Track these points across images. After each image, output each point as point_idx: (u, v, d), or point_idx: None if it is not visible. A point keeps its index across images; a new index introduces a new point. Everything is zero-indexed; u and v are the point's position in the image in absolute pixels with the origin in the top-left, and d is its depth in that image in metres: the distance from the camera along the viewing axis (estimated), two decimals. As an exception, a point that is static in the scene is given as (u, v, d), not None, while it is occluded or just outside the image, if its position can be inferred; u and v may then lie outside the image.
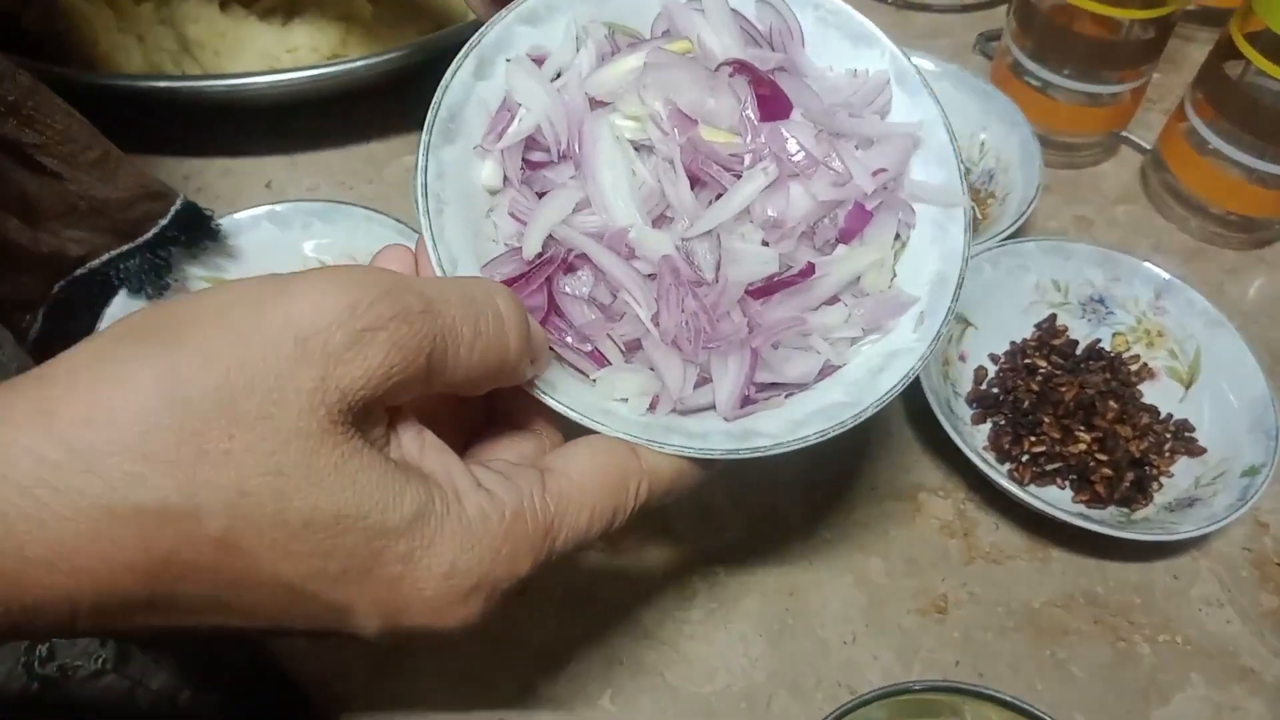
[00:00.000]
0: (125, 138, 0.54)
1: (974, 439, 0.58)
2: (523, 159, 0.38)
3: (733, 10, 0.40)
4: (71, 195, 0.51)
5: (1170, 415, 0.59)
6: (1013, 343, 0.61)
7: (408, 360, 0.27)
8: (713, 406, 0.37)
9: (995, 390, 0.59)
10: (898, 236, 0.40)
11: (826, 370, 0.38)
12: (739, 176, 0.38)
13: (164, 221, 0.54)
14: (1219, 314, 0.58)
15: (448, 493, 0.29)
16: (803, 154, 0.38)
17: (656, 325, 0.36)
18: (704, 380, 0.37)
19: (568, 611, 0.52)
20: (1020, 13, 0.71)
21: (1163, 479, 0.56)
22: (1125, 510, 0.55)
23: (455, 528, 0.28)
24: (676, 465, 0.35)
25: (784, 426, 0.36)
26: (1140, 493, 0.55)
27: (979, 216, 0.67)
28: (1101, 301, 0.61)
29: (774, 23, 0.41)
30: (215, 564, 0.25)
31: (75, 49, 0.69)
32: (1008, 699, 0.43)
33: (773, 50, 0.41)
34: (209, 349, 0.25)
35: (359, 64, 0.64)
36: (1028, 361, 0.60)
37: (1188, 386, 0.59)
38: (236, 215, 0.59)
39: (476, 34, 0.38)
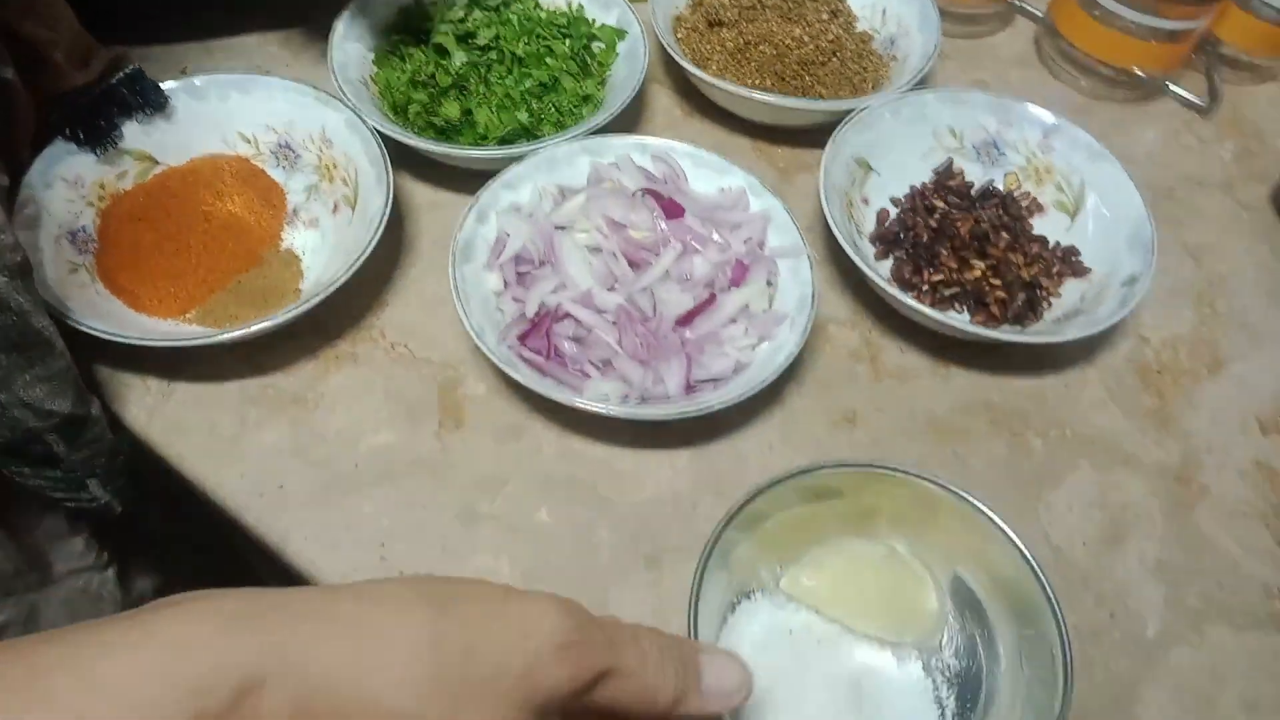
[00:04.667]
0: None
1: (878, 272, 0.62)
2: (515, 271, 0.57)
3: (638, 165, 0.62)
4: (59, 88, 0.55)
5: (1058, 243, 0.63)
6: (912, 186, 0.65)
7: (577, 677, 0.32)
8: (669, 396, 0.53)
9: (896, 229, 0.63)
10: (769, 283, 0.58)
11: (740, 367, 0.55)
12: (658, 255, 0.58)
13: (120, 76, 0.57)
14: (1102, 148, 0.63)
15: None
16: (694, 236, 0.58)
17: (621, 347, 0.54)
18: (659, 381, 0.54)
19: (503, 443, 0.55)
20: (914, -115, 0.74)
21: (1052, 299, 0.61)
22: (1018, 327, 0.60)
23: None
24: None
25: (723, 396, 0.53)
26: (1031, 311, 0.60)
27: (884, 80, 0.70)
28: (995, 145, 0.66)
29: (665, 170, 0.62)
30: None
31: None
32: (913, 473, 0.47)
33: (665, 184, 0.61)
34: (471, 633, 0.31)
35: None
36: (926, 202, 0.64)
37: (1073, 216, 0.64)
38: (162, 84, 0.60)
39: (474, 197, 0.58)
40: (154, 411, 0.55)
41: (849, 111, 0.63)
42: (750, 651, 0.48)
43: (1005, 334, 0.56)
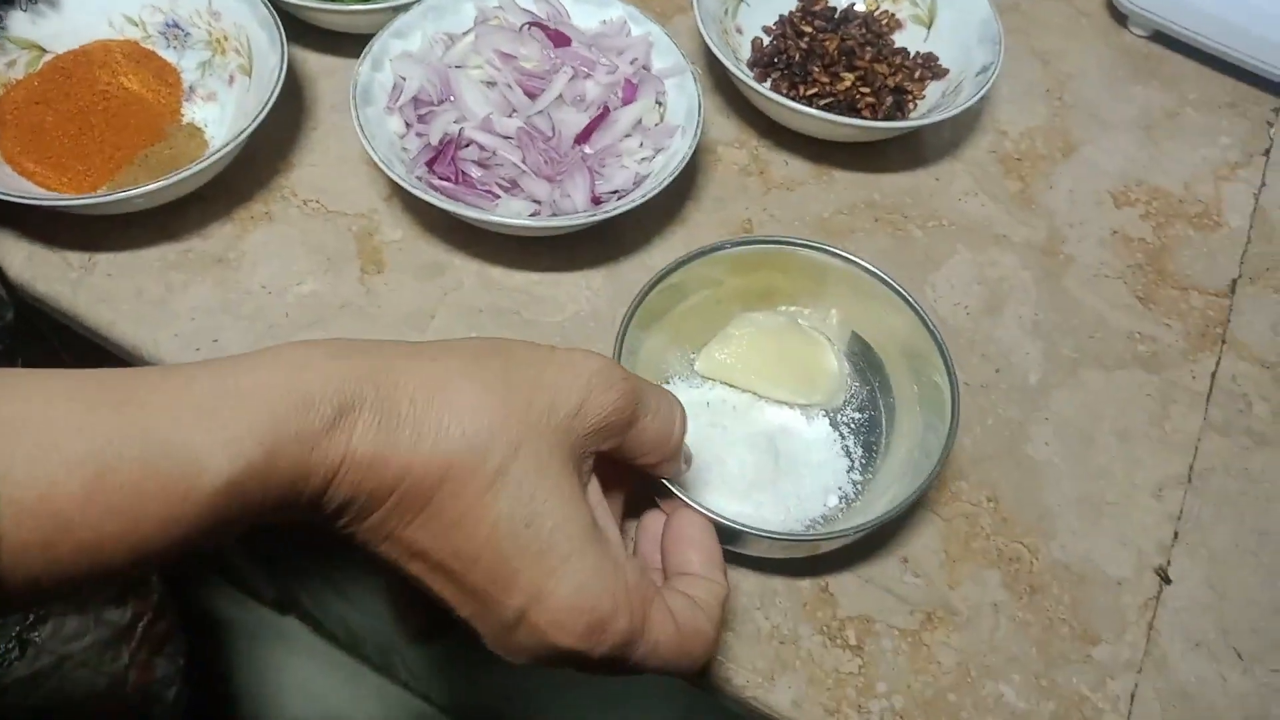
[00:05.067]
0: None
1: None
2: (415, 113, 0.60)
3: (520, 6, 0.64)
4: None
5: (917, 53, 0.68)
6: (780, 15, 0.70)
7: (623, 408, 0.36)
8: (576, 211, 0.57)
9: (770, 53, 0.68)
10: (659, 102, 0.62)
11: (639, 179, 0.59)
12: (550, 83, 0.61)
13: None
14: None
15: (603, 531, 0.36)
16: (582, 61, 0.62)
17: (525, 165, 0.58)
18: (565, 195, 0.57)
19: (424, 280, 0.58)
20: None
21: (917, 100, 0.66)
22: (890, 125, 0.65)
23: (600, 557, 0.35)
24: (722, 607, 0.41)
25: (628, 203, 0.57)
26: (899, 111, 0.65)
27: None
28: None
29: (548, 9, 0.65)
30: (476, 492, 0.33)
31: None
32: (801, 242, 0.52)
33: (549, 21, 0.64)
34: (534, 377, 0.35)
35: None
36: (796, 28, 0.68)
37: (929, 27, 0.69)
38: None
39: (366, 47, 0.60)
40: (77, 285, 0.56)
41: (717, -51, 0.67)
42: None
43: (879, 125, 0.61)
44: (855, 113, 0.65)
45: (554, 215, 0.57)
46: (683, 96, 0.61)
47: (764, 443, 0.52)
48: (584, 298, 0.59)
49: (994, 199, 0.66)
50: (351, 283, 0.58)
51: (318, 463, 0.30)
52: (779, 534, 0.47)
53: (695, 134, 0.58)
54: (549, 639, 0.34)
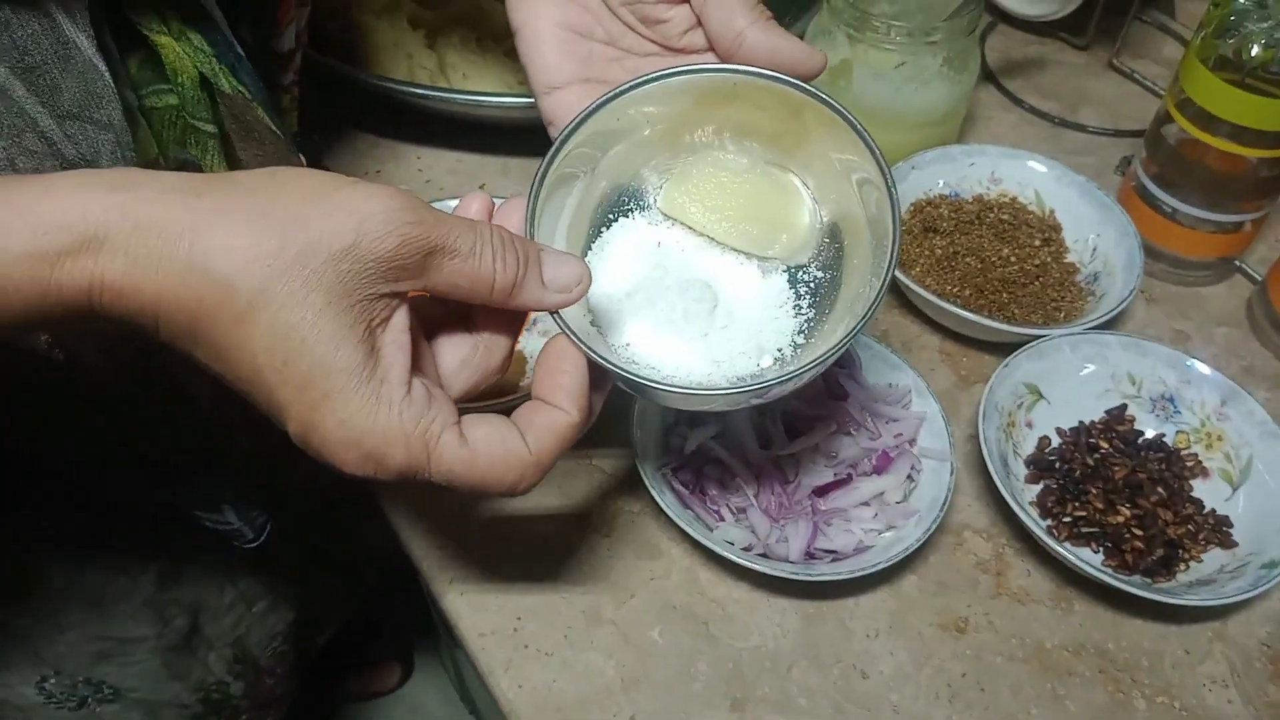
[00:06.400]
0: (381, 124, 0.70)
1: (1023, 495, 0.65)
2: None
3: None
4: None
5: (1213, 510, 0.64)
6: (1081, 422, 0.68)
7: (406, 252, 0.38)
8: (788, 557, 0.59)
9: (1053, 458, 0.66)
10: (910, 478, 0.64)
11: (861, 547, 0.60)
12: (813, 427, 0.64)
13: None
14: (1276, 426, 0.63)
15: (378, 371, 0.38)
16: (850, 420, 0.64)
17: (756, 500, 0.61)
18: (783, 540, 0.60)
19: (640, 559, 0.63)
20: (1151, 142, 0.78)
21: (1191, 562, 0.62)
22: (1148, 580, 0.61)
23: (365, 394, 0.38)
24: (560, 435, 0.43)
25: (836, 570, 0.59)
26: (1165, 568, 0.61)
27: (1078, 313, 0.74)
28: (1171, 400, 0.68)
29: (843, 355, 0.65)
30: (228, 325, 0.36)
31: (362, 55, 0.87)
32: (812, 90, 0.47)
33: (839, 366, 0.66)
34: (296, 216, 0.37)
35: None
36: (1090, 440, 0.67)
37: (1235, 488, 0.64)
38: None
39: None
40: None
41: (1036, 336, 0.68)
42: (616, 260, 0.51)
43: (1124, 583, 0.58)
44: (1118, 551, 0.62)
45: (764, 555, 0.60)
46: (935, 483, 0.62)
47: (699, 291, 0.50)
48: (771, 635, 0.61)
49: (1245, 700, 0.59)
50: (586, 534, 0.64)
51: (65, 281, 0.34)
52: (655, 382, 0.45)
53: (929, 528, 0.59)
54: (332, 461, 0.38)
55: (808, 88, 0.47)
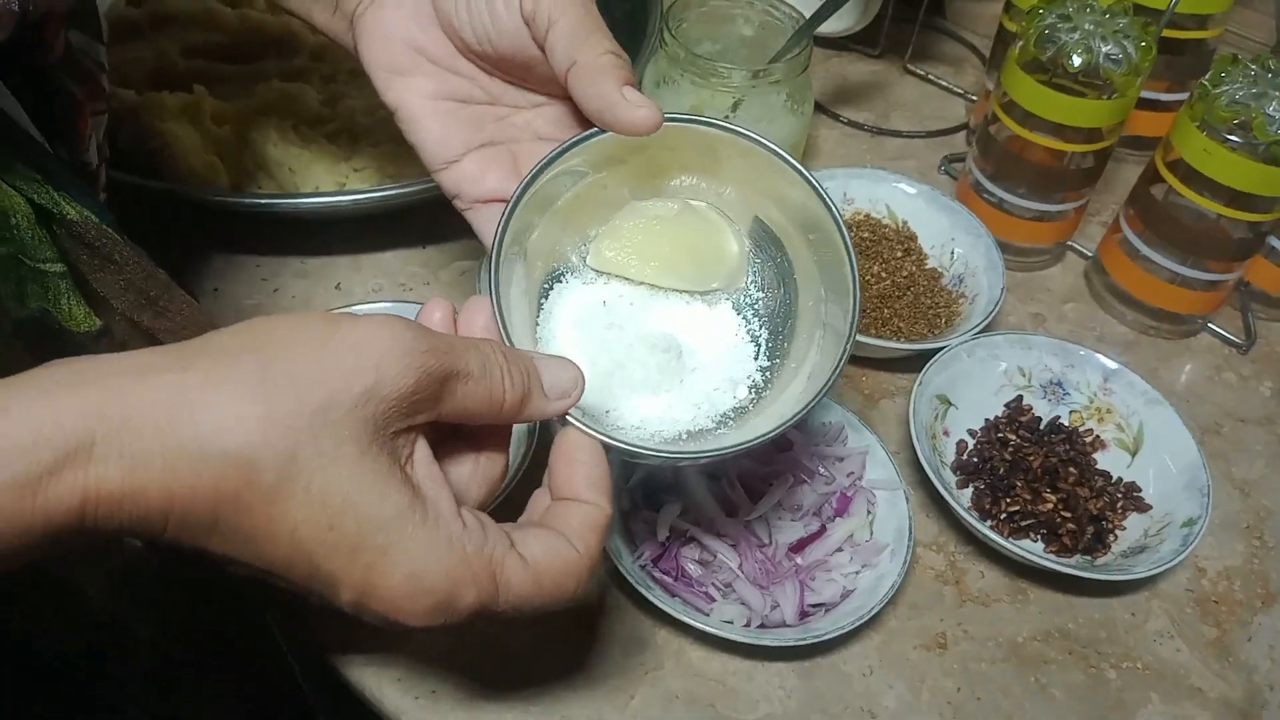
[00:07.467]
0: (209, 240, 0.66)
1: (960, 500, 0.68)
2: (643, 493, 0.64)
3: None
4: None
5: (1120, 479, 0.70)
6: (986, 420, 0.73)
7: (424, 383, 0.35)
8: (784, 621, 0.59)
9: (975, 460, 0.70)
10: (869, 512, 0.64)
11: (846, 593, 0.61)
12: (772, 485, 0.64)
13: None
14: (1157, 394, 0.70)
15: (429, 510, 0.36)
16: (802, 470, 0.65)
17: (742, 571, 0.60)
18: (775, 606, 0.59)
19: (628, 655, 0.61)
20: (981, 142, 0.84)
21: (1117, 532, 0.67)
22: (1088, 558, 0.66)
23: (426, 538, 0.35)
24: (600, 529, 0.41)
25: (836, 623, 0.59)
26: (1100, 544, 0.66)
27: (956, 316, 0.79)
28: (1059, 384, 0.73)
29: None
30: (257, 505, 0.32)
31: (166, 165, 0.78)
32: (686, 117, 0.48)
33: None
34: (303, 370, 0.34)
35: (419, 186, 0.74)
36: (1000, 435, 0.71)
37: (1133, 454, 0.71)
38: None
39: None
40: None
41: (934, 350, 0.71)
42: (569, 330, 0.50)
43: (1081, 570, 0.62)
44: (1056, 537, 0.66)
45: (762, 626, 0.59)
46: (893, 514, 0.64)
47: (664, 340, 0.51)
48: (776, 697, 0.60)
49: (1190, 645, 0.65)
50: (563, 641, 0.61)
51: (52, 505, 0.30)
52: (668, 451, 0.46)
53: (906, 558, 0.61)
54: (399, 622, 0.35)
55: (721, 124, 0.49)
